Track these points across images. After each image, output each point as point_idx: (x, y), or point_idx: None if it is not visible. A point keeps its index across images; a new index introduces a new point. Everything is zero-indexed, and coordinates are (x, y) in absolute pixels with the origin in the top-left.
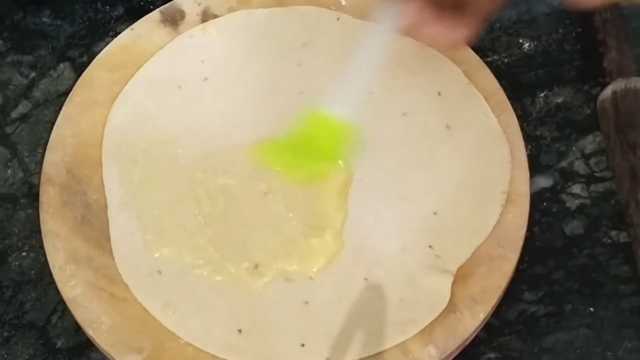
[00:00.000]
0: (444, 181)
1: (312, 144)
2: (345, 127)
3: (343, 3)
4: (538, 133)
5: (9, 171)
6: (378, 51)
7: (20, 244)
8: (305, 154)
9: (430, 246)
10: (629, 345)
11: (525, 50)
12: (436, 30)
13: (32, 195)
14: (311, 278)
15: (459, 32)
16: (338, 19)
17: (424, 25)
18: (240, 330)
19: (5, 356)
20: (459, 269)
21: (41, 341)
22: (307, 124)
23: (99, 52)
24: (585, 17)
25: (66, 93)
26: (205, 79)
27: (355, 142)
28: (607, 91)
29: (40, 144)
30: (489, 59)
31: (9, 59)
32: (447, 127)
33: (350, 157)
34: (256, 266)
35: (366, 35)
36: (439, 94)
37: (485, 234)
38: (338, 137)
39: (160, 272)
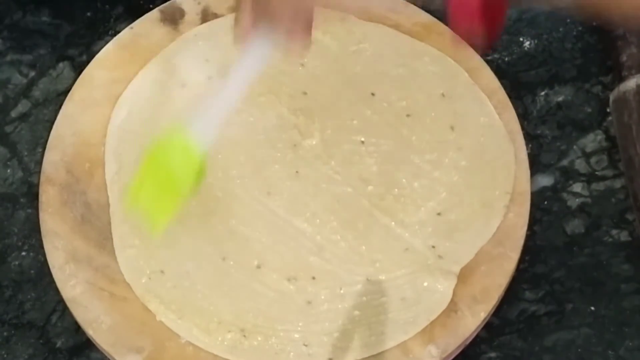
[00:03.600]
0: (448, 182)
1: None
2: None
3: None
4: (539, 132)
5: (8, 170)
6: (243, 81)
7: (19, 243)
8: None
9: (433, 246)
10: (630, 344)
11: (525, 48)
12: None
13: (32, 195)
14: (313, 278)
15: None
16: (342, 19)
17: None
18: (242, 330)
19: (5, 356)
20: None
21: (41, 341)
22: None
23: (98, 51)
24: None
25: (66, 92)
26: (209, 77)
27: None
28: (630, 83)
29: (40, 143)
30: (489, 58)
31: (8, 58)
32: (452, 128)
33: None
34: (258, 266)
35: (240, 59)
36: (443, 95)
37: (488, 234)
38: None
39: (162, 272)
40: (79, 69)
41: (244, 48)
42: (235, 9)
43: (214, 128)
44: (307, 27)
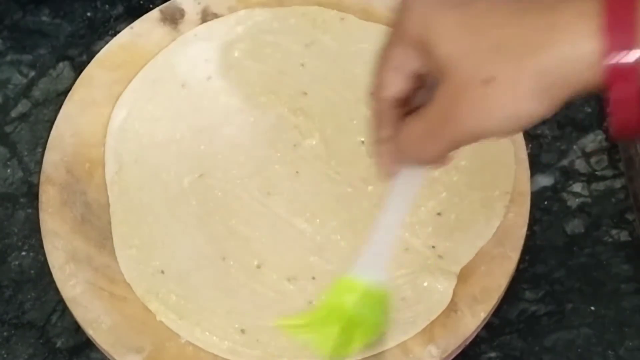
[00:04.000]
0: (448, 182)
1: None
2: (376, 292)
3: None
4: (539, 132)
5: (8, 170)
6: (402, 209)
7: (19, 243)
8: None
9: (433, 246)
10: (630, 344)
11: None
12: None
13: (32, 195)
14: (313, 278)
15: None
16: (342, 19)
17: None
18: (243, 330)
19: (5, 356)
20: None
21: (41, 341)
22: (336, 292)
23: (98, 51)
24: None
25: (66, 92)
26: (209, 77)
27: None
28: None
29: (40, 143)
30: None
31: (8, 58)
32: None
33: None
34: (259, 266)
35: (390, 195)
36: None
37: (488, 235)
38: (371, 303)
39: (162, 272)
40: (79, 69)
41: (391, 182)
42: (372, 143)
43: (385, 263)
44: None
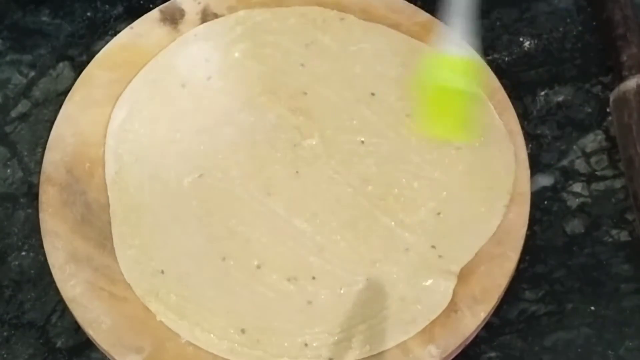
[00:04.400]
0: (448, 182)
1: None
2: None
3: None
4: (539, 132)
5: (8, 170)
6: None
7: (20, 243)
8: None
9: (433, 246)
10: (630, 344)
11: (525, 48)
12: None
13: (32, 195)
14: (313, 278)
15: None
16: (342, 19)
17: None
18: (243, 330)
19: (5, 356)
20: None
21: (41, 341)
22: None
23: (98, 51)
24: (600, 12)
25: (66, 92)
26: (209, 77)
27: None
28: (631, 83)
29: (40, 143)
30: (489, 58)
31: (8, 58)
32: None
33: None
34: (259, 266)
35: None
36: None
37: (488, 234)
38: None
39: (162, 272)
40: (79, 69)
41: None
42: None
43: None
44: None
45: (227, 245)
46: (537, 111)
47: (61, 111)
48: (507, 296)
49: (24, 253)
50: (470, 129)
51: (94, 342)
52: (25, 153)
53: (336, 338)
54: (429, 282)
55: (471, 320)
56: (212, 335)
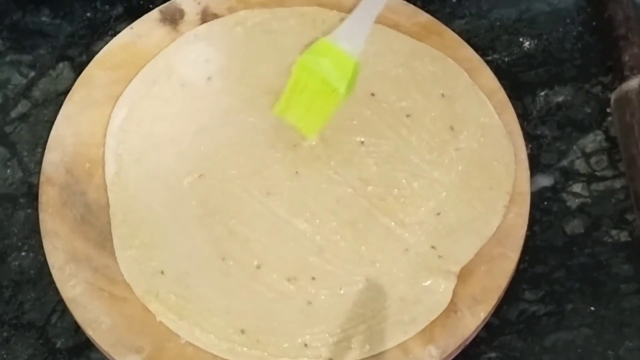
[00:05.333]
0: (448, 182)
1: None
2: (348, 59)
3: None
4: (538, 132)
5: (8, 171)
6: None
7: (19, 243)
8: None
9: (433, 247)
10: (630, 344)
11: (525, 49)
12: None
13: (32, 195)
14: (313, 278)
15: None
16: (342, 19)
17: None
18: (243, 331)
19: (5, 356)
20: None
21: (41, 341)
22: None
23: (98, 52)
24: (601, 12)
25: (65, 92)
26: (209, 78)
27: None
28: (633, 83)
29: (40, 143)
30: (489, 58)
31: (8, 58)
32: (451, 128)
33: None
34: (258, 266)
35: None
36: (443, 95)
37: (488, 235)
38: (341, 68)
39: (162, 272)
40: (79, 69)
41: None
42: None
43: (362, 33)
44: None
45: (227, 246)
46: (537, 111)
47: (61, 111)
48: (507, 296)
49: (23, 253)
50: (316, 123)
51: (94, 343)
52: (25, 153)
53: (336, 338)
54: (429, 282)
55: (471, 321)
56: (211, 335)
